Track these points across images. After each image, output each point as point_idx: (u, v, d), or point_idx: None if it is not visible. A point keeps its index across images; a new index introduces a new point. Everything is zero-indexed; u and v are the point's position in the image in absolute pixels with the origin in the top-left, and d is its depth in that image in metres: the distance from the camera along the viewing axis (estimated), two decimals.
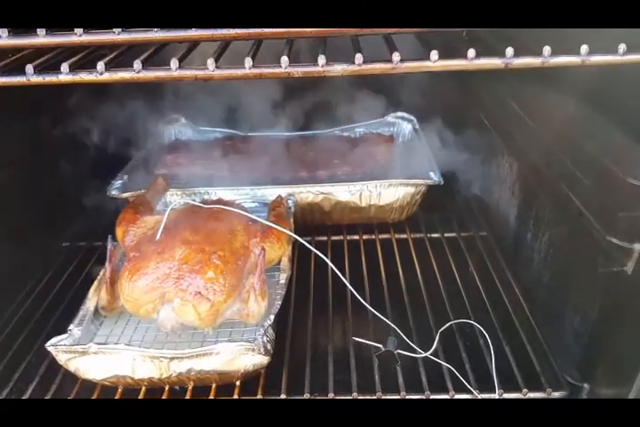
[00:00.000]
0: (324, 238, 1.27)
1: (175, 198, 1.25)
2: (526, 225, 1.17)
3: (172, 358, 0.82)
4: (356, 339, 0.92)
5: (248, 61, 0.60)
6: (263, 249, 0.94)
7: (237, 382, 0.88)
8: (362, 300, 0.97)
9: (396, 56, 0.59)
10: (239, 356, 0.83)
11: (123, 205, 1.36)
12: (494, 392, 0.86)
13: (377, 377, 0.89)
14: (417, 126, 1.50)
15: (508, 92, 1.23)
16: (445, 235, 1.26)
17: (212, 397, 0.86)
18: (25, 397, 0.88)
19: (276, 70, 0.60)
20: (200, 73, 0.62)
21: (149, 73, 0.61)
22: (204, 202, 1.06)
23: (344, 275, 1.13)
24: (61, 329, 0.97)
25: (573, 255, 0.95)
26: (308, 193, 1.25)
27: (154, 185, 1.16)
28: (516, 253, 1.19)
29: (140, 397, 0.87)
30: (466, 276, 1.13)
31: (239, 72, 0.61)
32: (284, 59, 0.60)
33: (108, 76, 0.62)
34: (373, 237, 1.27)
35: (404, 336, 0.92)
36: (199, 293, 0.88)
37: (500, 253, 1.19)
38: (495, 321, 0.99)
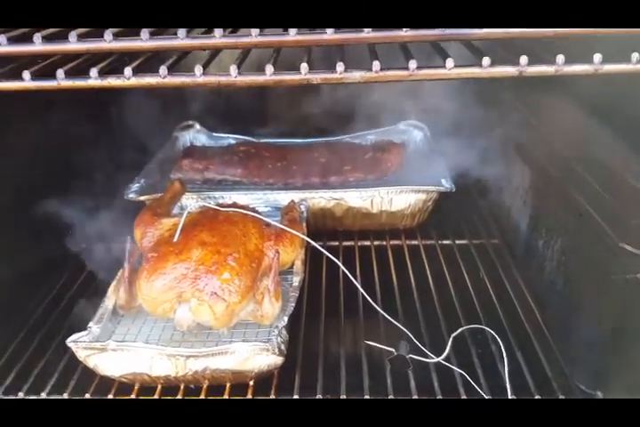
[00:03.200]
0: (336, 244, 1.28)
1: (190, 202, 1.27)
2: (538, 233, 1.18)
3: (189, 357, 0.84)
4: (369, 342, 0.94)
5: (269, 68, 0.62)
6: (277, 252, 0.96)
7: (251, 382, 0.89)
8: (373, 303, 0.98)
9: (412, 63, 0.61)
10: (254, 356, 0.84)
11: (139, 207, 1.39)
12: (506, 397, 0.86)
13: (389, 381, 0.90)
14: (428, 134, 1.52)
15: (520, 98, 1.25)
16: (457, 242, 1.27)
17: (226, 396, 0.88)
18: (44, 392, 0.90)
19: (296, 77, 0.62)
20: (223, 79, 0.64)
21: (175, 78, 0.64)
22: (220, 206, 1.08)
23: (355, 280, 1.14)
24: (79, 327, 0.99)
25: (586, 263, 0.96)
26: (320, 198, 1.27)
27: (171, 188, 1.18)
28: (527, 261, 1.20)
29: (155, 394, 0.88)
30: (477, 282, 1.13)
31: (260, 78, 0.63)
32: (304, 65, 0.62)
33: (135, 81, 0.64)
34: (384, 243, 1.28)
35: (417, 341, 0.93)
36: (215, 293, 0.89)
37: (512, 261, 1.20)
38: (507, 327, 1.00)
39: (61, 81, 0.65)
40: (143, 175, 1.39)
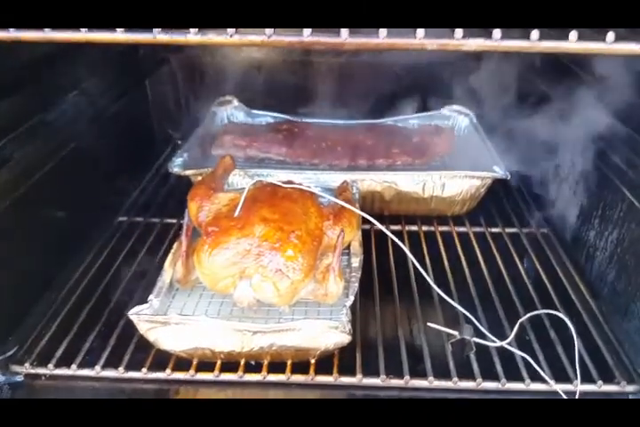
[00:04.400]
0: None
1: (237, 179, 1.25)
2: (590, 223, 1.17)
3: (256, 332, 0.82)
4: (431, 325, 0.92)
5: (382, 32, 0.59)
6: (342, 231, 0.94)
7: (312, 360, 0.87)
8: (434, 285, 0.96)
9: (534, 34, 0.58)
10: (322, 333, 0.82)
11: (177, 182, 1.36)
12: (569, 383, 0.85)
13: (451, 364, 0.88)
14: (474, 120, 1.49)
15: (580, 81, 1.22)
16: (506, 230, 1.25)
17: (287, 373, 0.86)
18: (99, 365, 0.88)
19: (410, 41, 0.60)
20: (331, 40, 0.61)
21: (281, 38, 0.61)
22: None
23: (406, 264, 1.13)
24: (127, 302, 0.98)
25: None
26: (370, 181, 1.24)
27: (222, 163, 1.15)
28: (576, 250, 1.19)
29: (215, 370, 0.86)
30: (531, 270, 1.12)
31: (372, 41, 0.60)
32: (420, 31, 0.59)
33: (237, 39, 0.61)
34: (433, 228, 1.26)
35: (479, 325, 0.91)
36: (280, 270, 0.87)
37: (563, 251, 1.18)
38: (564, 314, 0.98)
39: (158, 34, 0.62)
40: (185, 149, 1.36)
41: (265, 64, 1.69)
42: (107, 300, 1.03)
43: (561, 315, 0.86)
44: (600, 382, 0.86)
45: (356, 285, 0.92)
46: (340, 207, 1.03)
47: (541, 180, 1.40)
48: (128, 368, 0.88)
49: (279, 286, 0.87)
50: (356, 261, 0.99)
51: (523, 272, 1.11)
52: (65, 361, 0.89)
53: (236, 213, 0.94)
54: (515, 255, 1.16)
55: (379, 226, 0.98)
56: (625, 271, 1.02)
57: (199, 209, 1.00)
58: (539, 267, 1.12)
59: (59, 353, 0.91)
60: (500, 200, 1.36)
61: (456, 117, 1.54)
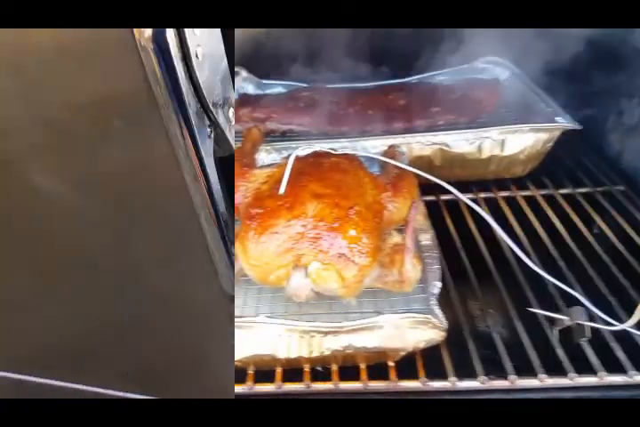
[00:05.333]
0: (432, 198, 1.09)
1: (262, 155, 1.08)
2: None
3: (327, 333, 0.66)
4: (533, 310, 0.77)
5: None
6: (414, 202, 0.78)
7: (391, 363, 0.72)
8: (528, 261, 0.80)
9: None
10: (409, 330, 0.67)
11: None
12: None
13: (561, 356, 0.73)
14: (517, 71, 1.32)
15: None
16: (578, 190, 1.09)
17: (364, 379, 0.71)
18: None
19: None
20: None
21: None
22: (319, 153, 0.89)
23: (472, 237, 0.97)
24: None
25: None
26: (417, 144, 1.07)
27: (249, 136, 0.99)
28: None
29: (277, 380, 0.71)
30: (622, 236, 0.96)
31: None
32: None
33: None
34: (492, 195, 1.09)
35: (591, 306, 0.75)
36: (343, 255, 0.71)
37: None
38: None
39: None
40: None
41: (270, 30, 1.50)
42: None
43: None
44: None
45: (437, 267, 0.76)
46: (396, 176, 0.87)
47: (605, 130, 1.24)
48: None
49: (345, 274, 0.71)
50: (427, 239, 0.83)
51: (612, 237, 0.95)
52: None
53: (281, 191, 0.77)
54: (597, 219, 1.00)
55: (457, 195, 0.83)
56: None
57: (235, 189, 0.83)
58: (629, 231, 0.97)
59: None
60: (560, 157, 1.19)
61: (492, 70, 1.36)
